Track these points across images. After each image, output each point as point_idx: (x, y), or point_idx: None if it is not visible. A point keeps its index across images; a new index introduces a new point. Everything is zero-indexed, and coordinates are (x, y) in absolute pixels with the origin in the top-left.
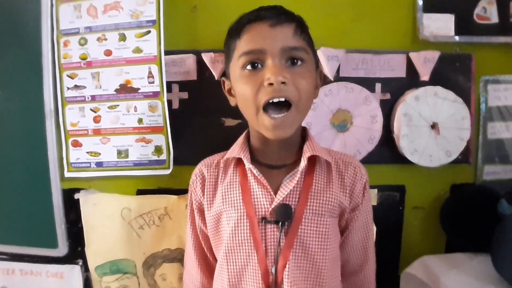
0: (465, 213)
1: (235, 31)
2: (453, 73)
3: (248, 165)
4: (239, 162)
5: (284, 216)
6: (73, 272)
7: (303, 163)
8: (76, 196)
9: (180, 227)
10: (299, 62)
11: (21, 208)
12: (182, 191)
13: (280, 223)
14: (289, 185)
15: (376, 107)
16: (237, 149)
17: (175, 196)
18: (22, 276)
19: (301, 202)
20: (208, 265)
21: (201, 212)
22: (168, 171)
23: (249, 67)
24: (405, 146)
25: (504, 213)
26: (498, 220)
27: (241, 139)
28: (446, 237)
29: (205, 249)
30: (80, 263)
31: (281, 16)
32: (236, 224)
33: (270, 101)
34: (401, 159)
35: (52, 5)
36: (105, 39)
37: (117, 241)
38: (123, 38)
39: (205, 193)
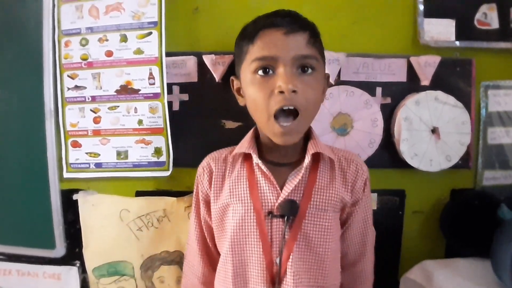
0: (465, 218)
1: (249, 35)
2: (454, 78)
3: (256, 160)
4: (246, 157)
5: (290, 211)
6: (70, 273)
7: (307, 159)
8: (75, 197)
9: (179, 229)
10: (310, 70)
11: (19, 208)
12: (181, 193)
13: (286, 217)
14: (294, 180)
15: (377, 111)
16: (246, 145)
17: (174, 198)
18: (19, 276)
19: (305, 197)
20: (209, 257)
21: (207, 204)
22: (167, 173)
23: (260, 72)
24: (405, 151)
25: (504, 218)
26: (498, 225)
27: (249, 135)
28: (446, 242)
29: (208, 240)
30: (78, 265)
31: (295, 25)
32: (243, 217)
33: (280, 109)
34: (401, 164)
35: (53, 5)
36: (106, 40)
37: (115, 243)
38: (124, 39)
39: (212, 186)
